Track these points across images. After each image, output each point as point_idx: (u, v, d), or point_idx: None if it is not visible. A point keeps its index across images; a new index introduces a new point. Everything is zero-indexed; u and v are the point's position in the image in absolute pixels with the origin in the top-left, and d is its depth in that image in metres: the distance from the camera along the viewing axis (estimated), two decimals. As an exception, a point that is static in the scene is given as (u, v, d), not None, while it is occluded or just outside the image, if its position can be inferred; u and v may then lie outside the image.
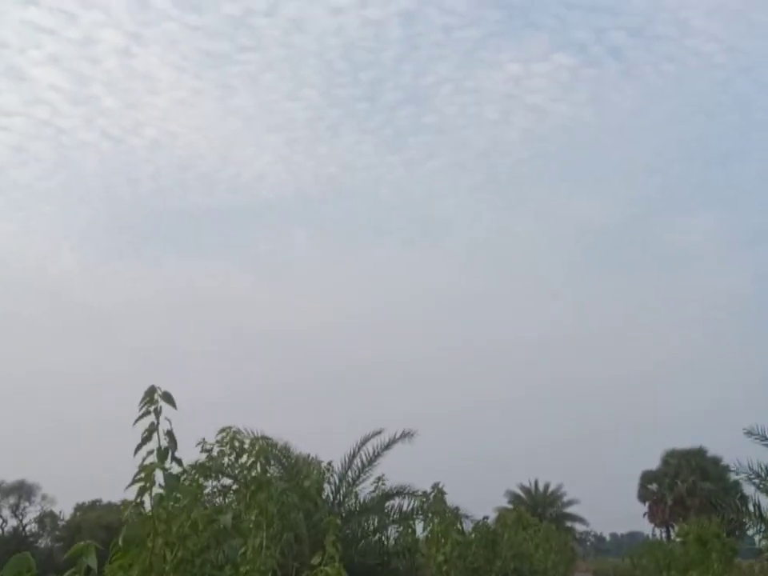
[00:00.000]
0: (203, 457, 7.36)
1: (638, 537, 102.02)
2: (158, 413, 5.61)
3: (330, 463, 13.00)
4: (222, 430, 7.12)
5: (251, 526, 6.07)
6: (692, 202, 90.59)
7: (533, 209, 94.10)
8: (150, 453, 5.46)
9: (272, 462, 12.50)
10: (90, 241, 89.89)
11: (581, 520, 56.49)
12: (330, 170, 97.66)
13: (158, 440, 5.50)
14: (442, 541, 13.46)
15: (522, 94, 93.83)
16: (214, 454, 7.30)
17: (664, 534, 63.18)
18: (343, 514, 12.59)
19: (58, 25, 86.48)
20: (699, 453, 65.32)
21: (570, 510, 57.14)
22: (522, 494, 57.24)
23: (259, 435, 7.21)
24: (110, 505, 52.03)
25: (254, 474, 6.26)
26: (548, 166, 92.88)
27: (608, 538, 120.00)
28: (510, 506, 43.46)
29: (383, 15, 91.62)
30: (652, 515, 64.66)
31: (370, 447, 13.86)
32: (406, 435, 14.12)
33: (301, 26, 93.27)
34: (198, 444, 7.86)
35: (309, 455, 12.95)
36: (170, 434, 5.61)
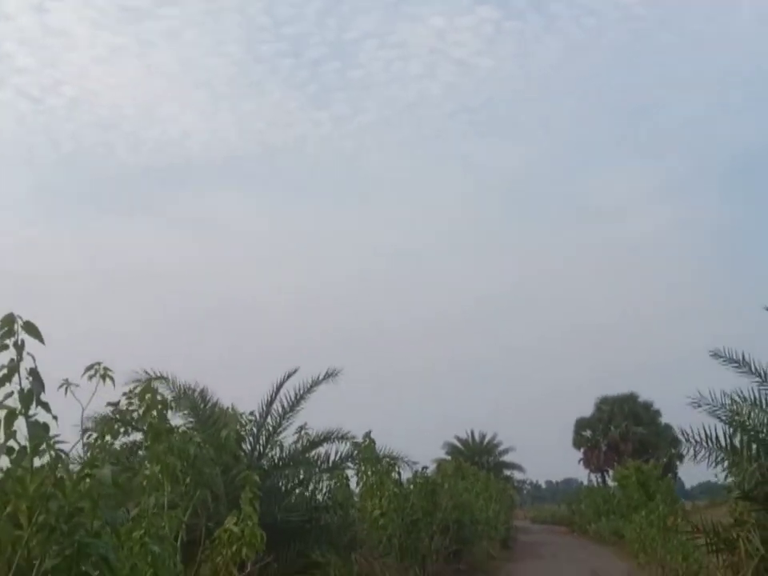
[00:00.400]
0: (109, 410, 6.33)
1: (573, 483, 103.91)
2: (19, 347, 4.57)
3: (252, 413, 11.90)
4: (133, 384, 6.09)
5: (145, 483, 5.10)
6: (614, 155, 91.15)
7: (460, 162, 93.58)
8: (8, 396, 4.43)
9: (186, 411, 11.41)
10: (10, 204, 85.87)
11: (518, 468, 56.51)
12: (256, 126, 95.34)
13: (20, 380, 4.47)
14: (378, 493, 12.73)
15: (446, 48, 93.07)
16: (122, 405, 6.27)
17: (599, 480, 64.34)
18: (265, 467, 11.57)
19: None
20: (631, 398, 66.17)
21: (506, 458, 57.28)
22: (459, 444, 57.08)
23: (157, 375, 6.09)
24: None
25: (150, 421, 5.27)
26: (473, 119, 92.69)
27: (544, 485, 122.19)
28: (449, 458, 43.28)
29: None
30: (587, 461, 65.47)
31: (292, 392, 12.76)
32: (330, 375, 12.98)
33: None
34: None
35: (230, 406, 11.82)
36: (33, 372, 4.57)
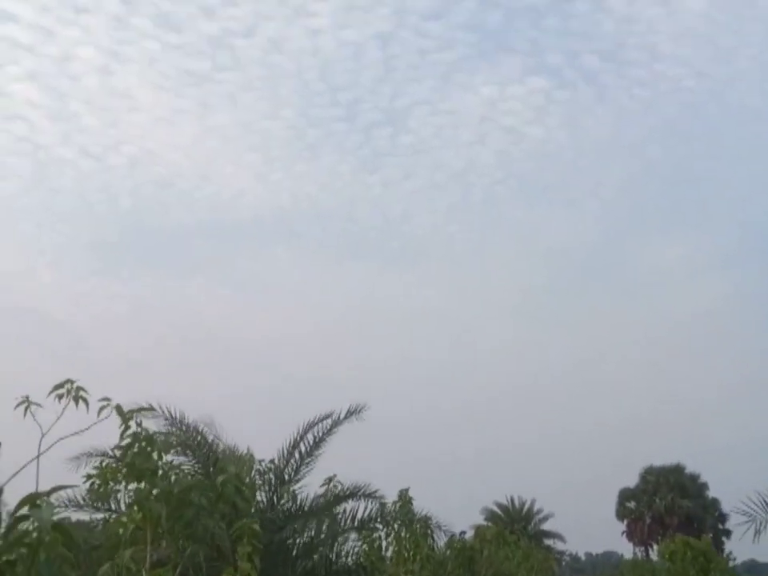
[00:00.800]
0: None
1: (613, 556, 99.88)
2: None
3: (272, 461, 10.58)
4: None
5: (121, 531, 4.03)
6: (664, 225, 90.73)
7: (507, 229, 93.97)
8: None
9: (186, 453, 10.18)
10: (66, 258, 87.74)
11: (559, 537, 53.86)
12: (308, 189, 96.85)
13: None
14: (412, 558, 11.34)
15: (496, 117, 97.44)
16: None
17: (643, 554, 61.48)
18: (279, 519, 10.18)
19: (37, 41, 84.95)
20: (677, 470, 63.57)
21: (546, 526, 54.69)
22: (498, 510, 54.79)
23: (143, 405, 5.02)
24: None
25: (128, 458, 4.20)
26: (522, 187, 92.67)
27: (583, 557, 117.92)
28: (488, 523, 41.37)
29: (361, 37, 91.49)
30: (630, 534, 62.72)
31: (310, 435, 11.31)
32: (353, 413, 11.59)
33: (279, 47, 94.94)
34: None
35: (234, 445, 10.49)
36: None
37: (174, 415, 10.42)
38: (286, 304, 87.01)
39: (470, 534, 22.89)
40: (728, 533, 60.48)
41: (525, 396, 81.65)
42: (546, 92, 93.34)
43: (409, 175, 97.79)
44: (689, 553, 27.79)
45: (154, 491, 4.02)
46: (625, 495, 64.10)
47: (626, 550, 63.17)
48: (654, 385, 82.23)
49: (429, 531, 12.55)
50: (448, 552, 13.84)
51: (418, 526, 11.87)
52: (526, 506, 55.54)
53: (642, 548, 61.20)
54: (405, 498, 11.70)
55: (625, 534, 63.41)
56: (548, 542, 51.32)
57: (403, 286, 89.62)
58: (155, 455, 4.35)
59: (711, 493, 63.69)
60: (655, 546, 62.14)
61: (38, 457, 4.22)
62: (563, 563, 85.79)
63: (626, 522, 63.74)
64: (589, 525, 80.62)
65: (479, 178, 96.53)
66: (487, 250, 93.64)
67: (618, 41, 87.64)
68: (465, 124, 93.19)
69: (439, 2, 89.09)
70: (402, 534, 11.35)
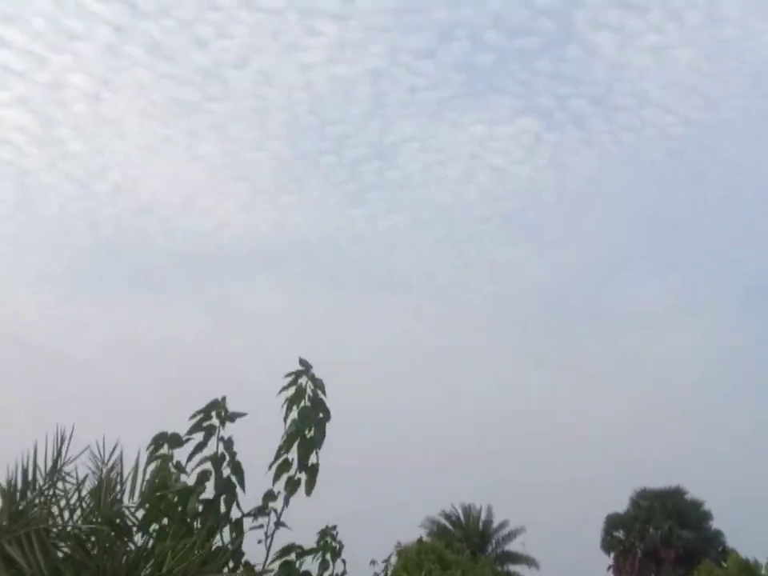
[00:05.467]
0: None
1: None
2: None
3: None
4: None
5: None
6: (645, 268, 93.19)
7: (489, 267, 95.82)
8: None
9: None
10: (47, 283, 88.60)
11: (530, 562, 42.12)
12: (293, 221, 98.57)
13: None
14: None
15: (484, 155, 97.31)
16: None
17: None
18: None
19: (28, 67, 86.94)
20: (676, 494, 53.90)
21: (513, 547, 43.02)
22: (447, 523, 43.63)
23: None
24: None
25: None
26: (507, 225, 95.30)
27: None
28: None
29: (352, 73, 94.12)
30: (618, 569, 52.75)
31: None
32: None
33: (270, 80, 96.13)
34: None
35: None
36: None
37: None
38: (267, 332, 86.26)
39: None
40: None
41: (499, 411, 77.26)
42: (536, 133, 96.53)
43: (394, 210, 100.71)
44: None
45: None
46: (613, 522, 54.08)
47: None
48: (643, 395, 77.60)
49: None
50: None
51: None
52: (483, 517, 43.72)
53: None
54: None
55: (611, 570, 53.46)
56: (514, 568, 40.15)
57: (384, 316, 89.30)
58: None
59: (715, 524, 54.19)
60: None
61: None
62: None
63: (612, 554, 53.77)
64: (568, 558, 71.31)
65: (464, 215, 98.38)
66: (469, 286, 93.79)
67: (608, 86, 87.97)
68: (453, 161, 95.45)
69: (432, 41, 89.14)
70: None
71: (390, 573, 12.54)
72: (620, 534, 53.89)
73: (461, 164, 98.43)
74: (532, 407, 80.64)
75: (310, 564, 5.90)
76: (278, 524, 4.93)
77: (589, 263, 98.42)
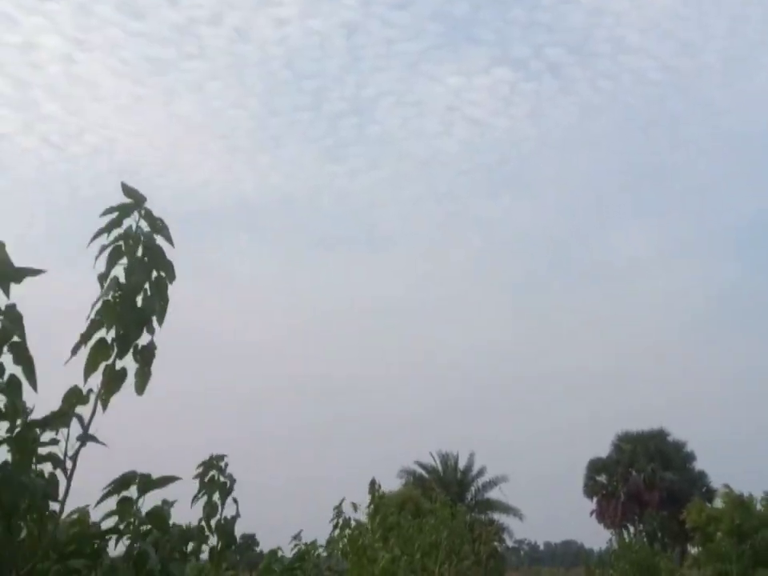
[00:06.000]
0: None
1: (573, 546, 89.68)
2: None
3: None
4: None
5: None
6: (625, 216, 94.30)
7: (472, 219, 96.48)
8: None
9: None
10: (26, 248, 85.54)
11: (512, 511, 40.31)
12: (272, 179, 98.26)
13: None
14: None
15: (462, 107, 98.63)
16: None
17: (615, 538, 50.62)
18: None
19: None
20: (659, 436, 52.85)
21: (494, 495, 41.35)
22: (423, 472, 41.09)
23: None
24: None
25: None
26: (488, 177, 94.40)
27: (542, 546, 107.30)
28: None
29: (327, 26, 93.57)
30: (601, 513, 51.76)
31: None
32: None
33: (245, 36, 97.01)
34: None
35: None
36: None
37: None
38: (250, 294, 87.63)
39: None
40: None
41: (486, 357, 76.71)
42: (512, 83, 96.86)
43: (374, 165, 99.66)
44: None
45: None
46: (595, 467, 53.05)
47: (587, 539, 52.58)
48: (628, 341, 76.87)
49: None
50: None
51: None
52: (462, 464, 41.81)
53: (617, 530, 49.98)
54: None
55: (594, 514, 52.51)
56: (497, 516, 38.78)
57: (369, 276, 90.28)
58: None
59: (698, 465, 53.30)
60: (631, 528, 51.46)
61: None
62: (521, 552, 75.07)
63: (595, 499, 52.81)
64: (551, 506, 71.06)
65: (444, 169, 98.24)
66: (452, 241, 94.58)
67: (585, 33, 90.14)
68: (430, 114, 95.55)
69: None
70: None
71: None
72: (602, 478, 52.89)
73: (439, 117, 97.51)
74: (515, 357, 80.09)
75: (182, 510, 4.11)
76: (85, 438, 3.06)
77: (571, 212, 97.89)
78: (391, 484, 37.54)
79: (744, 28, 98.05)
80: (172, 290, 3.37)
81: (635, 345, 77.71)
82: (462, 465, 40.87)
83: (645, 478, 50.44)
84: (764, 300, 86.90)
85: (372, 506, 12.30)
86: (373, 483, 12.48)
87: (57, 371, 3.24)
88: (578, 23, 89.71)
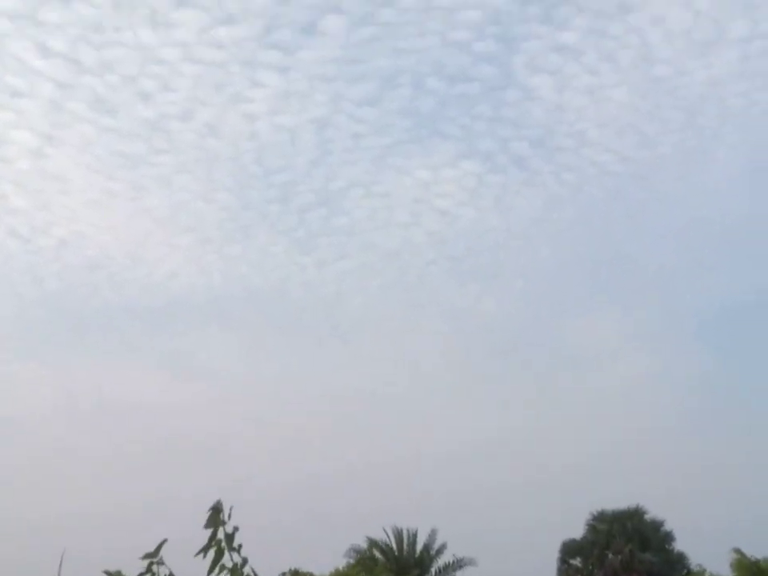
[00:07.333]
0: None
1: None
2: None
3: None
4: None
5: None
6: (589, 304, 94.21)
7: (440, 309, 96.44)
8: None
9: None
10: None
11: None
12: (240, 270, 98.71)
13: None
14: None
15: (430, 199, 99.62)
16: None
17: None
18: None
19: None
20: (636, 514, 49.64)
21: None
22: (376, 552, 36.24)
23: None
24: None
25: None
26: (454, 267, 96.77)
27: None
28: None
29: (296, 122, 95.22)
30: (577, 600, 48.12)
31: None
32: None
33: (215, 131, 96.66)
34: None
35: None
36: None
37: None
38: (219, 384, 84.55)
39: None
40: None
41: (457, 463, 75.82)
42: (479, 176, 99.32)
43: (342, 256, 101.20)
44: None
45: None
46: (569, 549, 49.46)
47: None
48: (602, 427, 75.07)
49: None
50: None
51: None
52: (421, 542, 36.74)
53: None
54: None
55: (570, 601, 48.74)
56: None
57: (336, 363, 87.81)
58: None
59: (678, 545, 50.02)
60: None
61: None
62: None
63: (570, 585, 49.18)
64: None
65: (412, 259, 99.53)
66: (420, 330, 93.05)
67: (548, 128, 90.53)
68: (399, 205, 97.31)
69: (375, 89, 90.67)
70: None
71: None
72: (577, 561, 49.39)
73: (407, 208, 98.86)
74: (484, 445, 77.95)
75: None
76: None
77: (538, 302, 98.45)
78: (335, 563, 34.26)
79: (699, 120, 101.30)
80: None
81: (607, 433, 76.65)
82: (421, 542, 36.87)
83: (622, 560, 47.02)
84: (735, 385, 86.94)
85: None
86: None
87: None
88: (541, 119, 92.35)
